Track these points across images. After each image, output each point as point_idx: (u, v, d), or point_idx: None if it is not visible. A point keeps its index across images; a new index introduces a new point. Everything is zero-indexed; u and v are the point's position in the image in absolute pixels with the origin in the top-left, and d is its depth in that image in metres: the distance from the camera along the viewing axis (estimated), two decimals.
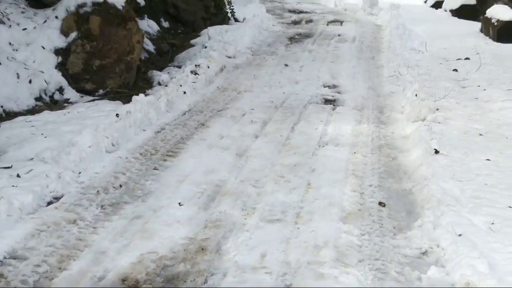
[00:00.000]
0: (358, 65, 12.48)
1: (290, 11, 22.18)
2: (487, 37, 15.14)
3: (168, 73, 11.09)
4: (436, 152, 6.57)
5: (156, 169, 6.48)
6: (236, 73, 11.65)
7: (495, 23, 14.75)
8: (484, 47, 13.55)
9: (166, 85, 9.77)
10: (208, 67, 11.11)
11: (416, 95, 9.05)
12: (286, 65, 12.26)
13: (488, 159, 6.49)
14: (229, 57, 12.57)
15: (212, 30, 13.79)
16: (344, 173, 6.35)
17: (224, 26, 15.09)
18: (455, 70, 11.64)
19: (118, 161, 6.66)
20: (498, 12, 14.97)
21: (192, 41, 14.12)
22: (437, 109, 8.46)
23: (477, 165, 6.30)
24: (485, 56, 12.38)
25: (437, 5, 21.76)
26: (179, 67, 11.57)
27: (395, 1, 20.89)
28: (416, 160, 6.59)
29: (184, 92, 9.47)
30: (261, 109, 9.05)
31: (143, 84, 10.60)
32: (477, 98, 9.61)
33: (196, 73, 10.55)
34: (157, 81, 10.49)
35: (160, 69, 11.77)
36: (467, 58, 12.51)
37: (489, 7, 26.08)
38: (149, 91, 9.87)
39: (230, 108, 9.12)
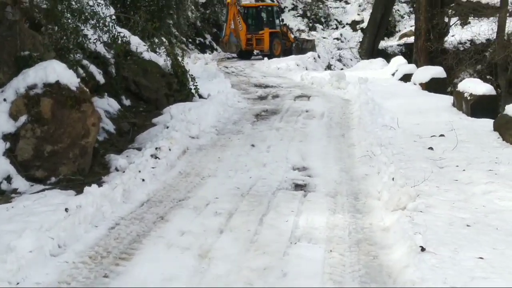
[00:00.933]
0: (328, 144, 11.88)
1: (256, 85, 21.78)
2: (460, 112, 14.64)
3: (127, 156, 10.37)
4: (422, 249, 5.86)
5: (107, 277, 5.66)
6: (199, 155, 10.95)
7: (468, 98, 14.27)
8: (459, 123, 13.06)
9: (124, 171, 9.01)
10: (170, 149, 10.41)
11: (393, 179, 8.43)
12: (252, 145, 11.60)
13: (481, 257, 5.79)
14: (193, 138, 11.90)
15: (175, 109, 13.14)
16: (321, 278, 5.60)
17: (188, 104, 14.48)
18: (431, 148, 11.06)
19: (63, 267, 5.83)
20: (470, 86, 14.51)
21: (154, 120, 13.48)
22: (418, 195, 7.81)
23: (470, 265, 5.58)
24: (460, 132, 11.87)
25: (405, 79, 21.37)
26: (139, 149, 10.87)
27: (363, 74, 20.59)
28: (401, 260, 5.86)
29: (143, 180, 8.71)
30: (226, 197, 8.33)
31: (99, 169, 9.84)
32: (457, 180, 8.99)
33: (156, 157, 9.83)
34: (114, 166, 9.74)
35: (120, 151, 11.08)
36: (441, 135, 11.98)
37: (454, 78, 25.95)
38: (105, 178, 9.13)
39: (193, 197, 8.37)
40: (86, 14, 11.71)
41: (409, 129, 12.81)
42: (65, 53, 11.29)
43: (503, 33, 27.67)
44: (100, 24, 11.96)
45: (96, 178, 9.14)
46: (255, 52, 36.23)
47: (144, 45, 15.32)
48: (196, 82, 16.08)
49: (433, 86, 18.88)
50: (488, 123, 12.72)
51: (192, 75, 16.23)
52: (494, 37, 28.93)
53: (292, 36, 38.18)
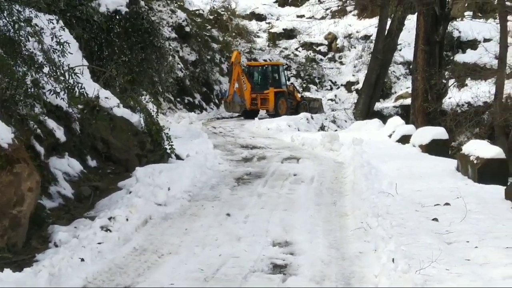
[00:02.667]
0: (316, 213, 10.22)
1: (242, 146, 20.29)
2: (466, 177, 12.96)
3: (75, 227, 8.69)
4: None
5: None
6: (163, 226, 9.25)
7: (475, 161, 12.59)
8: (465, 190, 11.41)
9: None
10: (127, 219, 8.79)
11: (393, 260, 6.82)
12: (228, 214, 9.92)
13: None
14: (159, 205, 10.25)
15: (142, 171, 11.47)
16: None
17: (160, 165, 12.86)
18: (435, 219, 9.39)
19: None
20: (476, 149, 12.85)
21: (120, 184, 11.90)
22: (425, 281, 6.17)
23: None
24: (468, 201, 10.21)
25: (403, 140, 19.66)
26: (93, 218, 9.20)
27: (358, 136, 19.12)
28: None
29: (82, 260, 7.04)
30: (185, 283, 6.67)
31: (38, 244, 8.16)
32: (469, 260, 7.36)
33: (107, 229, 8.18)
34: (54, 240, 8.05)
35: (73, 219, 9.43)
36: (447, 204, 10.33)
37: (451, 141, 24.43)
38: (39, 256, 7.43)
39: (142, 282, 6.70)
40: (40, 61, 10.16)
41: (410, 196, 11.19)
42: (11, 105, 9.71)
43: (501, 95, 26.53)
44: (57, 73, 10.35)
45: (29, 256, 7.47)
46: (260, 111, 35.42)
47: (107, 98, 13.72)
48: (171, 142, 14.50)
49: (434, 148, 17.18)
50: (499, 190, 11.16)
51: (167, 133, 14.66)
52: (493, 99, 27.83)
53: (299, 95, 37.60)
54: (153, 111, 14.62)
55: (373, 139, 20.70)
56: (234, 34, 48.50)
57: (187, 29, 39.21)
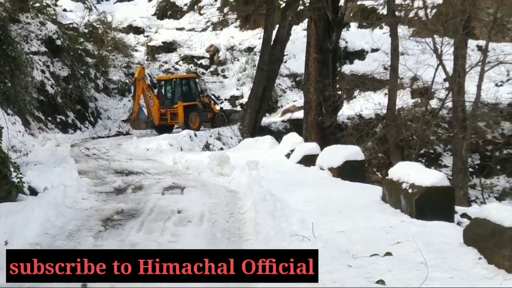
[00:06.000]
0: None
1: (116, 172, 17.20)
2: (398, 210, 10.11)
3: None
4: None
5: None
6: None
7: (410, 190, 9.82)
8: (403, 230, 8.79)
9: None
10: None
11: None
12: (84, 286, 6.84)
13: None
14: None
15: None
16: None
17: (1, 206, 9.63)
18: (381, 282, 6.66)
19: None
20: (410, 174, 10.11)
21: None
22: None
23: None
24: (414, 246, 7.65)
25: (307, 162, 16.74)
26: None
27: (250, 156, 16.44)
28: None
29: None
30: None
31: None
32: None
33: None
34: None
35: None
36: (388, 254, 7.63)
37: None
38: None
39: None
40: None
41: (332, 240, 8.46)
42: None
43: (394, 107, 24.96)
44: None
45: None
46: (175, 126, 33.88)
47: None
48: (20, 173, 11.25)
49: (348, 172, 14.23)
50: (448, 229, 8.68)
51: (15, 163, 11.41)
52: (384, 112, 26.37)
53: (217, 107, 36.82)
54: None
55: (268, 160, 17.92)
56: (110, 48, 45.27)
57: (58, 42, 35.75)
